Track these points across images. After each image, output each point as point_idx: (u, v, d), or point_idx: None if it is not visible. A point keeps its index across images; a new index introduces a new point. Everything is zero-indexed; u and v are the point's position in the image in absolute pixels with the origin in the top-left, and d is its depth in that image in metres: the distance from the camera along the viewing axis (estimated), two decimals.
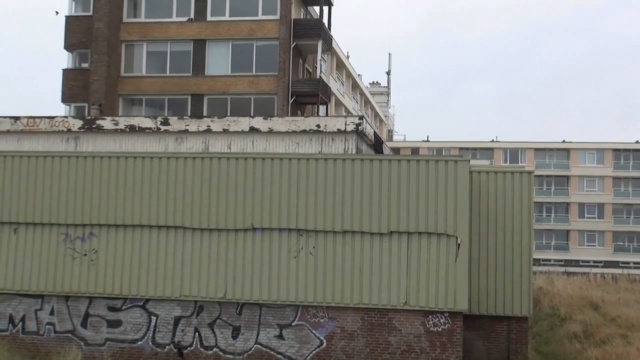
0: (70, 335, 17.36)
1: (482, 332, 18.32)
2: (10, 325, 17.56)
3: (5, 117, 25.06)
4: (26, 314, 17.58)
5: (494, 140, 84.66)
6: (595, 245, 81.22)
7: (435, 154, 75.61)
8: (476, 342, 18.27)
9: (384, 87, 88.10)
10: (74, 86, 39.31)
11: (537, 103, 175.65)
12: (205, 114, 38.34)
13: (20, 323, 17.57)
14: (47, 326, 17.48)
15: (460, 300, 16.15)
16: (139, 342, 17.12)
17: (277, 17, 39.05)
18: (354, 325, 16.51)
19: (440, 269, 16.27)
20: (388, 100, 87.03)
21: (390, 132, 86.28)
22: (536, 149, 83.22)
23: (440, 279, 16.23)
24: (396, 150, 68.72)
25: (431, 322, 16.33)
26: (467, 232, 16.40)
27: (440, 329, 16.28)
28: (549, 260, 76.92)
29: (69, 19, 40.19)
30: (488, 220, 18.12)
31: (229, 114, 37.01)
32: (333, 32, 44.43)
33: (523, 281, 18.00)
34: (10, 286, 17.55)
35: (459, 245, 16.27)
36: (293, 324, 16.71)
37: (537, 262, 64.96)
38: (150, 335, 17.10)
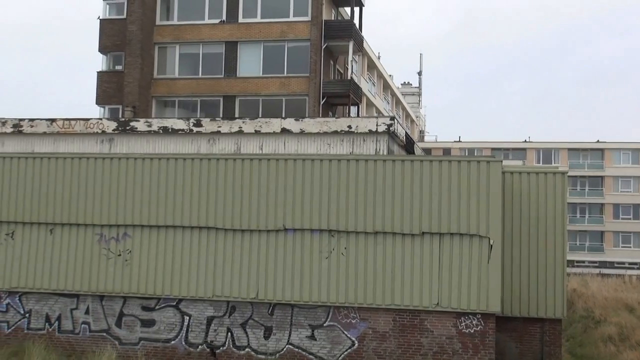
0: (105, 334, 17.59)
1: (515, 334, 18.17)
2: (47, 324, 17.84)
3: (41, 119, 25.50)
4: (62, 313, 17.84)
5: (527, 140, 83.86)
6: (630, 247, 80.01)
7: (467, 154, 75.15)
8: (509, 344, 18.13)
9: (416, 87, 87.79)
10: (108, 88, 39.82)
11: (570, 103, 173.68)
12: (237, 115, 38.58)
13: (57, 322, 17.84)
14: (83, 325, 17.72)
15: (493, 301, 16.05)
16: (173, 342, 17.29)
17: (309, 18, 39.14)
18: (385, 326, 16.49)
19: (473, 270, 16.18)
20: (419, 101, 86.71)
21: (421, 133, 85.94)
22: (570, 149, 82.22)
23: (473, 281, 16.15)
24: (428, 151, 68.40)
25: (463, 323, 16.25)
26: (499, 233, 16.30)
27: (472, 331, 16.20)
28: (583, 261, 75.99)
29: (103, 22, 40.72)
30: (521, 221, 17.97)
31: (260, 116, 37.19)
32: (364, 33, 44.39)
33: (557, 283, 17.82)
34: (46, 286, 17.83)
35: (491, 246, 16.17)
36: (325, 324, 16.75)
37: (571, 263, 64.24)
38: (184, 335, 17.26)
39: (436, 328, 16.31)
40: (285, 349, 16.81)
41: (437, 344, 16.27)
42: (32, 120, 25.65)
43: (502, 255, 17.04)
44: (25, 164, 18.30)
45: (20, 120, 25.77)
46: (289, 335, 16.85)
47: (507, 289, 17.75)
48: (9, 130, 25.61)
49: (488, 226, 16.20)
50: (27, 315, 17.93)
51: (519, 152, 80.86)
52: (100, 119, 25.82)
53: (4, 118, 25.93)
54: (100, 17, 40.85)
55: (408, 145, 25.70)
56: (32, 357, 16.33)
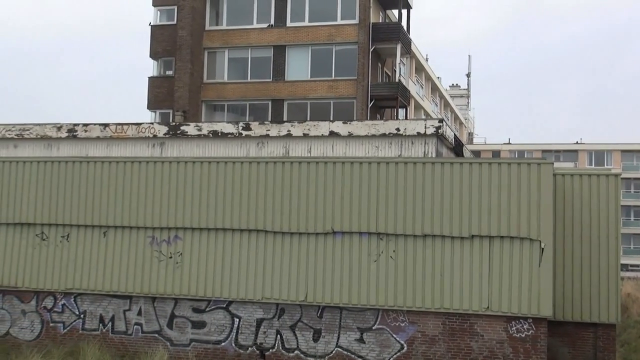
0: (156, 335, 17.87)
1: (568, 339, 17.88)
2: (101, 324, 18.20)
3: (95, 124, 26.05)
4: (115, 314, 18.18)
5: (579, 142, 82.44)
6: None
7: (517, 156, 74.17)
8: (561, 349, 17.86)
9: (464, 89, 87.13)
10: (159, 93, 40.47)
11: (623, 103, 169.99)
12: (285, 119, 38.81)
13: (110, 323, 18.18)
14: (135, 326, 18.03)
15: (545, 306, 15.82)
16: (223, 343, 17.47)
17: (356, 21, 39.19)
18: (435, 330, 16.40)
19: (524, 273, 15.99)
20: (468, 103, 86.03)
21: (470, 135, 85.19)
22: (623, 151, 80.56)
23: (524, 284, 15.95)
24: (477, 154, 67.76)
25: (514, 327, 16.06)
26: (551, 237, 16.07)
27: (523, 335, 16.00)
28: (638, 265, 74.27)
29: (154, 29, 41.41)
30: (573, 224, 17.69)
31: (308, 119, 37.35)
32: (412, 35, 44.24)
33: (610, 287, 17.49)
34: (100, 287, 18.19)
35: (542, 249, 15.96)
36: (373, 327, 16.73)
37: (625, 267, 62.86)
38: (233, 336, 17.43)
39: (486, 332, 16.15)
40: (334, 352, 16.84)
41: (487, 348, 16.11)
42: (86, 125, 26.22)
43: (554, 259, 16.80)
44: (80, 168, 18.71)
45: (75, 125, 26.36)
46: (338, 338, 16.87)
47: (559, 293, 17.49)
48: (64, 135, 26.22)
49: (539, 229, 15.99)
50: (81, 316, 18.32)
51: (571, 154, 79.55)
52: (152, 123, 26.26)
53: (59, 123, 26.56)
54: (152, 24, 41.55)
55: (457, 148, 25.51)
56: (87, 357, 16.68)
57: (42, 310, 18.58)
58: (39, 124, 26.73)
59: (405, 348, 16.48)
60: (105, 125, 25.91)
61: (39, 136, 26.48)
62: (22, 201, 18.86)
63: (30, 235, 18.78)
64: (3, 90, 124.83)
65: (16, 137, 26.62)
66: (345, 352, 16.77)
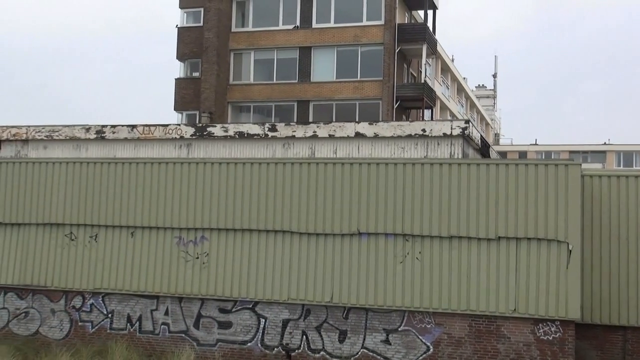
0: (183, 335, 17.99)
1: (596, 342, 17.70)
2: (128, 324, 18.37)
3: (123, 125, 26.30)
4: (142, 314, 18.34)
5: (607, 142, 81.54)
6: None
7: (544, 157, 73.60)
8: (589, 352, 17.68)
9: (490, 90, 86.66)
10: (186, 95, 40.77)
11: None
12: (311, 120, 38.89)
13: (137, 322, 18.34)
14: (162, 326, 18.17)
15: (572, 308, 15.69)
16: (249, 344, 17.55)
17: (382, 22, 39.17)
18: (461, 332, 16.33)
19: (551, 276, 15.86)
20: (494, 104, 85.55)
21: (497, 136, 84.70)
22: None
23: (551, 286, 15.82)
24: (503, 155, 67.31)
25: (541, 330, 15.94)
26: (579, 238, 15.93)
27: (551, 338, 15.88)
28: None
29: (180, 30, 41.73)
30: (601, 225, 17.51)
31: (334, 120, 37.40)
32: (437, 36, 44.09)
33: None
34: (128, 287, 18.36)
35: (570, 251, 15.82)
36: (399, 329, 16.70)
37: None
38: (260, 337, 17.49)
39: (513, 334, 16.05)
40: (359, 353, 16.84)
41: (514, 351, 16.01)
42: (114, 126, 26.49)
43: (582, 261, 16.65)
44: (108, 169, 18.91)
45: (103, 126, 26.64)
46: (364, 339, 16.87)
47: (587, 296, 17.31)
48: (93, 136, 26.51)
49: (567, 231, 15.85)
50: (109, 315, 18.50)
51: (599, 154, 78.70)
52: (179, 124, 26.44)
53: (87, 125, 26.86)
54: (178, 26, 41.86)
55: (483, 149, 25.38)
56: (115, 357, 16.86)
57: (70, 309, 18.81)
58: (68, 126, 27.05)
59: (431, 350, 16.44)
60: (133, 126, 26.14)
61: (68, 137, 26.80)
62: (52, 202, 19.11)
63: (59, 236, 19.01)
64: (32, 92, 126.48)
65: (46, 138, 26.97)
66: (371, 354, 16.76)
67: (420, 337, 16.54)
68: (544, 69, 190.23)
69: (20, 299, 19.21)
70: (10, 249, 19.32)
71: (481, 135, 26.26)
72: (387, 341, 16.72)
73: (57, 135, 27.02)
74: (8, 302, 19.29)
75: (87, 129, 26.77)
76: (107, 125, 26.60)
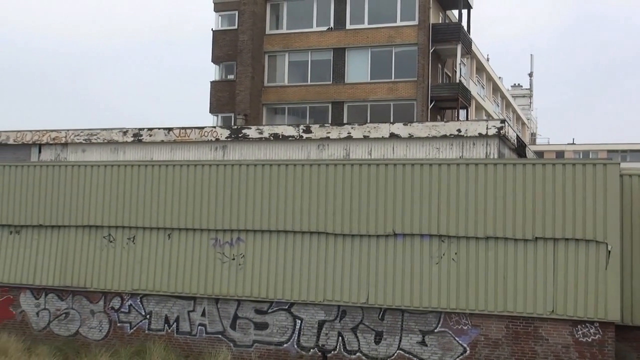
0: (220, 336, 18.12)
1: (637, 344, 17.39)
2: (166, 325, 18.56)
3: (159, 128, 26.59)
4: (180, 315, 18.52)
5: None
6: None
7: (581, 157, 72.59)
8: (630, 354, 17.39)
9: (526, 89, 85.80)
10: (221, 97, 41.08)
11: None
12: (345, 121, 38.90)
13: (175, 323, 18.52)
14: (199, 327, 18.32)
15: (612, 310, 15.46)
16: (285, 345, 17.61)
17: (416, 22, 39.03)
18: (498, 334, 16.20)
19: (590, 277, 15.66)
20: (530, 103, 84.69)
21: (533, 136, 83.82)
22: None
23: (590, 288, 15.62)
24: (540, 154, 66.60)
25: (580, 332, 15.74)
26: (618, 239, 15.69)
27: (590, 340, 15.67)
28: None
29: (215, 34, 42.07)
30: None
31: (368, 121, 37.37)
32: (472, 35, 43.80)
33: None
34: (165, 288, 18.55)
35: (609, 252, 15.60)
36: (436, 330, 16.62)
37: None
38: (295, 338, 17.55)
39: (551, 336, 15.87)
40: (395, 354, 16.80)
41: (552, 353, 15.83)
42: (150, 129, 26.79)
43: (621, 262, 16.40)
44: (145, 172, 19.13)
45: (140, 129, 26.97)
46: (400, 341, 16.83)
47: (627, 297, 17.04)
48: (130, 139, 26.86)
49: (605, 231, 15.63)
50: (147, 316, 18.71)
51: (638, 154, 77.41)
52: (214, 127, 26.65)
53: (125, 128, 27.21)
54: (213, 29, 42.19)
55: (519, 149, 25.15)
56: (153, 357, 17.05)
57: (109, 310, 19.06)
58: (105, 129, 27.43)
59: (468, 351, 16.33)
60: (169, 129, 26.42)
61: (105, 141, 27.19)
62: (90, 204, 19.40)
63: (98, 237, 19.29)
64: (71, 96, 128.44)
65: (84, 142, 27.38)
66: (407, 355, 16.71)
67: (456, 338, 16.45)
68: (581, 66, 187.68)
69: (60, 300, 19.54)
70: (51, 251, 19.67)
71: (517, 135, 26.01)
72: (423, 342, 16.65)
73: (96, 139, 27.41)
74: (49, 303, 19.63)
75: (125, 132, 27.12)
76: (144, 129, 26.91)
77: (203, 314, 18.30)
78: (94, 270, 19.16)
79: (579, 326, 15.70)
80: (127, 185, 19.19)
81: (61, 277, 19.43)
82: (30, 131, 27.81)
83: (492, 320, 16.21)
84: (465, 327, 16.39)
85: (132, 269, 18.85)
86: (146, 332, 18.63)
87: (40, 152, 27.82)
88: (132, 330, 18.80)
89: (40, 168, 20.11)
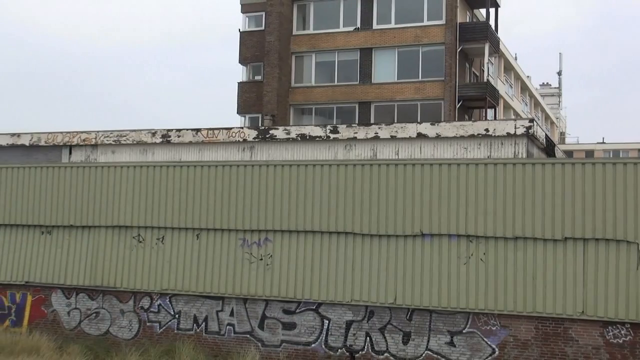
0: (248, 336, 18.21)
1: None
2: (195, 325, 18.70)
3: (187, 129, 26.78)
4: (208, 315, 18.64)
5: None
6: None
7: (611, 156, 71.73)
8: None
9: (555, 88, 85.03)
10: (249, 98, 41.24)
11: None
12: (372, 121, 38.85)
13: (203, 323, 18.65)
14: (228, 327, 18.43)
15: None
16: (313, 345, 17.65)
17: (443, 22, 38.87)
18: (527, 334, 16.09)
19: (620, 277, 15.48)
20: (559, 102, 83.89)
21: (562, 135, 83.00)
22: None
23: (620, 288, 15.44)
24: (569, 154, 65.93)
25: (611, 333, 15.58)
26: None
27: (621, 341, 15.49)
28: None
29: (243, 35, 42.24)
30: None
31: (395, 121, 37.28)
32: (500, 34, 43.50)
33: None
34: (194, 288, 18.69)
35: None
36: (464, 331, 16.55)
37: None
38: (323, 338, 17.58)
39: (581, 337, 15.73)
40: (423, 355, 16.76)
41: (582, 354, 15.68)
42: (179, 130, 26.99)
43: None
44: (174, 172, 19.30)
45: (169, 130, 27.18)
46: (428, 341, 16.78)
47: None
48: (159, 140, 27.08)
49: (637, 231, 15.45)
50: (176, 316, 18.87)
51: None
52: (242, 127, 26.78)
53: (153, 129, 27.45)
54: (241, 30, 42.38)
55: (548, 148, 24.93)
56: (182, 357, 17.19)
57: (139, 310, 19.25)
58: (134, 130, 27.69)
59: (496, 352, 16.24)
60: (197, 130, 26.59)
61: (135, 142, 27.43)
62: (120, 204, 19.61)
63: (127, 238, 19.50)
64: (102, 98, 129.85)
65: (114, 143, 27.67)
66: (435, 356, 16.66)
67: (485, 339, 16.36)
68: (610, 64, 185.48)
69: (91, 300, 19.77)
70: (82, 251, 19.91)
71: (546, 135, 25.78)
72: (451, 343, 16.59)
73: (125, 140, 27.68)
74: (80, 302, 19.88)
75: (153, 133, 27.35)
76: (172, 130, 27.12)
77: (231, 314, 18.41)
78: (124, 270, 19.36)
79: (609, 327, 15.54)
80: (156, 185, 19.36)
81: (91, 277, 19.66)
82: (61, 133, 28.17)
83: (521, 321, 16.11)
84: (494, 328, 16.30)
85: (161, 269, 19.01)
86: (175, 331, 18.79)
87: (70, 153, 28.16)
88: (161, 330, 18.97)
89: (71, 169, 20.38)
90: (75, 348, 18.16)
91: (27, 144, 28.46)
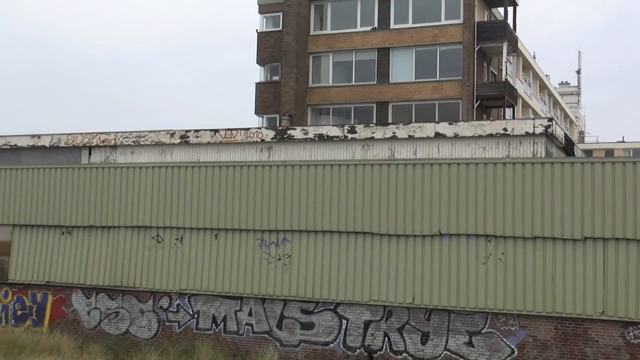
0: (267, 335, 18.26)
1: None
2: (213, 324, 18.78)
3: (206, 130, 26.88)
4: (227, 315, 18.71)
5: None
6: None
7: (631, 155, 71.14)
8: None
9: (574, 86, 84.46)
10: (266, 98, 41.32)
11: None
12: (390, 121, 38.78)
13: (222, 323, 18.73)
14: (246, 326, 18.49)
15: None
16: (331, 345, 17.67)
17: (461, 21, 38.73)
18: (547, 335, 16.01)
19: None
20: (578, 101, 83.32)
21: (581, 134, 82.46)
22: None
23: None
24: (588, 153, 65.49)
25: (631, 333, 15.46)
26: None
27: None
28: None
29: (260, 35, 42.33)
30: None
31: (413, 121, 37.20)
32: (518, 33, 43.28)
33: None
34: (212, 288, 18.78)
35: None
36: (483, 331, 16.50)
37: None
38: (342, 338, 17.59)
39: (601, 338, 15.62)
40: (442, 355, 16.72)
41: (602, 355, 15.58)
42: (197, 131, 27.09)
43: None
44: (192, 173, 19.39)
45: (187, 131, 27.28)
46: (446, 341, 16.74)
47: None
48: (177, 141, 27.19)
49: None
50: (195, 315, 18.96)
51: None
52: (260, 128, 26.82)
53: (172, 130, 27.57)
54: (258, 30, 42.47)
55: (567, 147, 24.76)
56: (201, 356, 17.27)
57: (158, 309, 19.36)
58: (153, 131, 27.82)
59: (516, 353, 16.17)
60: (215, 131, 26.68)
61: (153, 142, 27.56)
62: (139, 205, 19.74)
63: (146, 238, 19.62)
64: (120, 100, 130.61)
65: (133, 143, 27.82)
66: (454, 356, 16.62)
67: (504, 339, 16.30)
68: (630, 62, 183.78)
69: (110, 300, 19.91)
70: (101, 251, 20.07)
71: (565, 134, 25.61)
72: (470, 343, 16.54)
73: (144, 141, 27.81)
74: (100, 302, 20.03)
75: (172, 134, 27.47)
76: (190, 130, 27.22)
77: (250, 314, 18.47)
78: (143, 270, 19.49)
79: (630, 327, 15.43)
80: (174, 186, 19.46)
81: (111, 276, 19.81)
82: (81, 134, 28.36)
83: (540, 321, 16.03)
84: (513, 328, 16.23)
85: (180, 269, 19.12)
86: (194, 331, 18.88)
87: (90, 154, 28.35)
88: (180, 330, 19.07)
89: (91, 170, 20.54)
90: (95, 347, 18.31)
91: (48, 145, 28.69)
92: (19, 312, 20.91)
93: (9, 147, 28.97)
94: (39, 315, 20.64)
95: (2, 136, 29.36)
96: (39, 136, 28.98)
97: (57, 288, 20.56)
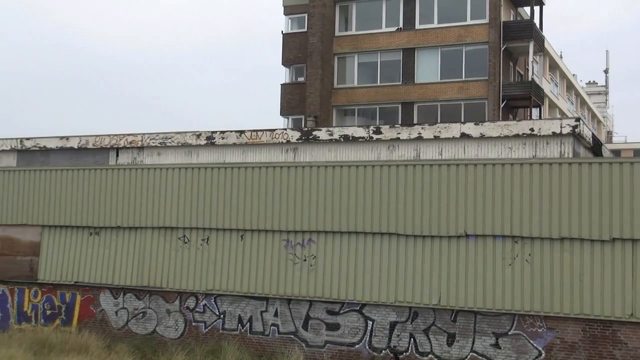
0: (292, 336, 18.31)
1: None
2: (239, 325, 18.87)
3: (231, 131, 26.99)
4: (253, 315, 18.79)
5: None
6: None
7: None
8: None
9: (602, 86, 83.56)
10: (291, 99, 41.42)
11: None
12: (415, 121, 38.68)
13: (248, 323, 18.81)
14: (272, 327, 18.55)
15: None
16: (357, 346, 17.67)
17: (486, 21, 38.53)
18: (574, 337, 15.86)
19: None
20: (606, 100, 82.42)
21: (609, 134, 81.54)
22: None
23: None
24: (617, 153, 64.72)
25: None
26: None
27: None
28: None
29: (285, 37, 42.44)
30: None
31: (439, 121, 37.03)
32: (545, 32, 42.93)
33: None
34: (238, 288, 18.87)
35: None
36: (509, 333, 16.40)
37: None
38: (367, 339, 17.58)
39: (630, 340, 15.45)
40: (468, 357, 16.65)
41: (631, 357, 15.40)
42: (223, 132, 27.22)
43: None
44: (218, 174, 19.51)
45: (213, 132, 27.42)
46: (473, 343, 16.66)
47: None
48: (203, 142, 27.34)
49: None
50: (221, 316, 19.07)
51: None
52: (285, 129, 26.88)
53: (198, 131, 27.73)
54: (283, 32, 42.59)
55: (595, 147, 24.51)
56: (227, 356, 17.36)
57: (185, 310, 19.50)
58: (179, 132, 27.99)
59: (543, 354, 16.05)
60: (241, 132, 26.78)
61: (180, 144, 27.74)
62: (166, 206, 19.90)
63: (173, 239, 19.77)
64: (147, 103, 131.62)
65: (159, 145, 28.03)
66: (480, 357, 16.54)
67: (531, 341, 16.18)
68: None
69: (138, 300, 20.09)
70: (129, 252, 20.26)
71: (593, 134, 25.36)
72: (496, 345, 16.45)
73: (170, 142, 28.02)
74: (127, 302, 20.22)
75: (198, 135, 27.63)
76: (216, 131, 27.35)
77: (275, 314, 18.52)
78: (170, 271, 19.64)
79: None
80: (200, 187, 19.59)
81: (138, 277, 19.98)
82: (109, 135, 28.63)
83: (568, 323, 15.90)
84: (540, 330, 16.12)
85: (206, 270, 19.23)
86: (220, 331, 18.98)
87: (117, 155, 28.61)
88: (206, 330, 19.18)
89: (118, 171, 20.75)
90: (123, 347, 18.49)
91: (76, 147, 29.01)
92: (48, 312, 21.19)
93: (38, 148, 29.33)
94: (68, 315, 20.89)
95: (32, 138, 29.74)
96: (67, 138, 29.30)
97: (86, 288, 20.79)
